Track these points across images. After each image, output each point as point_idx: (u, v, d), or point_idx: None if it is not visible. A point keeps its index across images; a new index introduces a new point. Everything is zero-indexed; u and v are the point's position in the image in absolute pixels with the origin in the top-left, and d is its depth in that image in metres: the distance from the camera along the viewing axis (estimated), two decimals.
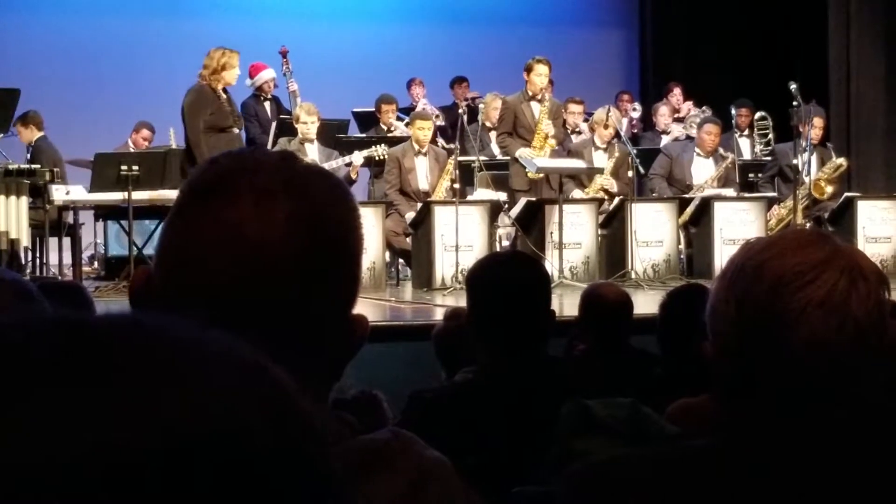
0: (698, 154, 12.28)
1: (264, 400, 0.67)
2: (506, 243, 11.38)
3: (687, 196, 11.91)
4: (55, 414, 0.62)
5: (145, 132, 13.21)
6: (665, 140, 13.66)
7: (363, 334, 1.34)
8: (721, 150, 12.32)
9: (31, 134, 11.70)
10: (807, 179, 11.85)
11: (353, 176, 11.17)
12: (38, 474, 0.60)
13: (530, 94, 11.43)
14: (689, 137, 13.32)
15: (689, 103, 14.41)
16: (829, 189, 12.15)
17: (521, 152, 11.25)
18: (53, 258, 10.91)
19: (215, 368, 0.66)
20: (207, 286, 1.23)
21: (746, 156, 13.51)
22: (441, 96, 14.63)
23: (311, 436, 0.68)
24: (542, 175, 11.30)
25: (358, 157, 11.11)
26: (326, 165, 10.76)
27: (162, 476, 0.61)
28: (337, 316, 1.30)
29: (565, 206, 10.83)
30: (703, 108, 14.01)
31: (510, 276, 3.44)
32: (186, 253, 1.26)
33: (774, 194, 12.36)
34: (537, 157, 11.17)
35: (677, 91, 14.64)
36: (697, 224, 11.75)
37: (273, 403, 0.67)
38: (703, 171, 12.23)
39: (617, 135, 12.03)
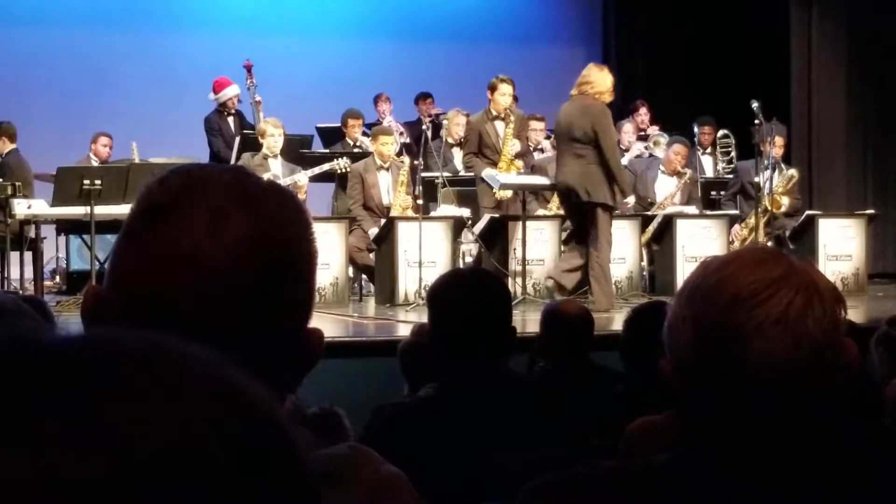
0: (663, 172, 12.33)
1: (245, 425, 0.66)
2: (469, 259, 11.39)
3: (649, 213, 11.95)
4: (7, 441, 0.61)
5: (104, 140, 13.11)
6: (627, 157, 13.70)
7: (319, 348, 1.34)
8: (679, 167, 12.37)
9: (3, 146, 11.61)
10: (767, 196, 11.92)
11: (302, 196, 11.08)
12: None
13: (494, 113, 11.42)
14: (651, 156, 13.36)
15: (656, 127, 14.39)
16: (786, 201, 12.21)
17: (487, 172, 11.24)
18: (15, 272, 10.84)
19: (187, 392, 0.65)
20: (161, 305, 1.22)
21: (709, 173, 13.57)
22: (406, 112, 14.65)
23: (294, 461, 0.68)
24: (508, 195, 11.30)
25: (303, 177, 11.05)
26: (282, 183, 10.67)
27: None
28: (293, 331, 1.30)
29: (529, 223, 10.85)
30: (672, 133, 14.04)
31: (471, 293, 3.44)
32: (139, 272, 1.25)
33: (737, 212, 12.42)
34: (501, 175, 11.17)
35: (643, 110, 14.66)
36: (660, 241, 11.79)
37: (255, 428, 0.66)
38: (666, 190, 12.29)
39: None
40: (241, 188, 1.27)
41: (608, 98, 9.90)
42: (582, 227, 10.00)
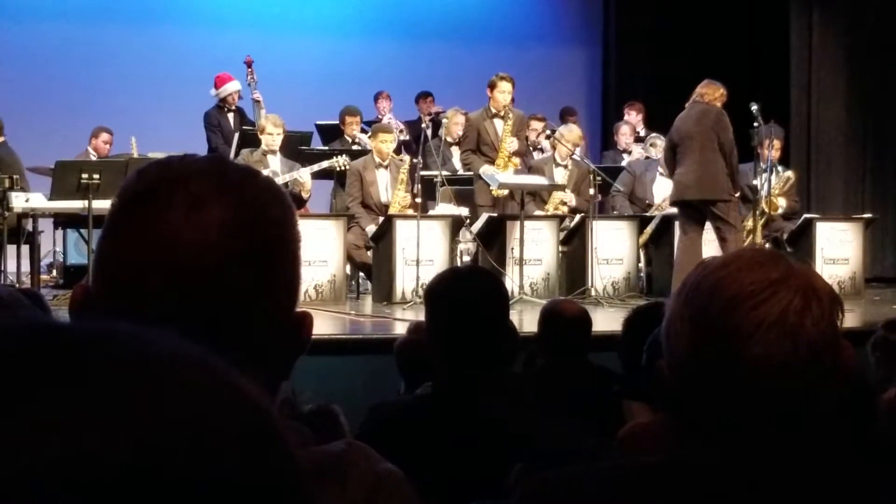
0: (661, 174, 12.33)
1: (238, 416, 0.67)
2: (466, 258, 11.39)
3: (647, 215, 11.96)
4: (23, 423, 0.61)
5: (105, 136, 13.14)
6: (626, 159, 13.72)
7: (308, 331, 1.34)
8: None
9: None
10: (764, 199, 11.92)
11: (305, 195, 11.11)
12: (3, 484, 0.60)
13: (493, 110, 11.48)
14: (647, 158, 13.37)
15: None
16: (782, 202, 12.22)
17: (485, 169, 11.29)
18: (11, 266, 10.84)
19: (191, 382, 0.66)
20: (147, 297, 1.22)
21: None
22: (406, 110, 14.65)
23: (283, 454, 0.68)
24: (505, 192, 11.33)
25: (304, 174, 11.06)
26: (281, 179, 10.76)
27: (131, 489, 0.61)
28: (281, 315, 1.30)
29: (526, 223, 10.86)
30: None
31: (469, 291, 3.44)
32: (123, 265, 1.25)
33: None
34: (499, 174, 11.21)
35: (633, 112, 14.63)
36: (658, 242, 11.80)
37: (247, 421, 0.67)
38: (665, 191, 12.29)
39: (573, 153, 12.11)
40: (219, 174, 1.28)
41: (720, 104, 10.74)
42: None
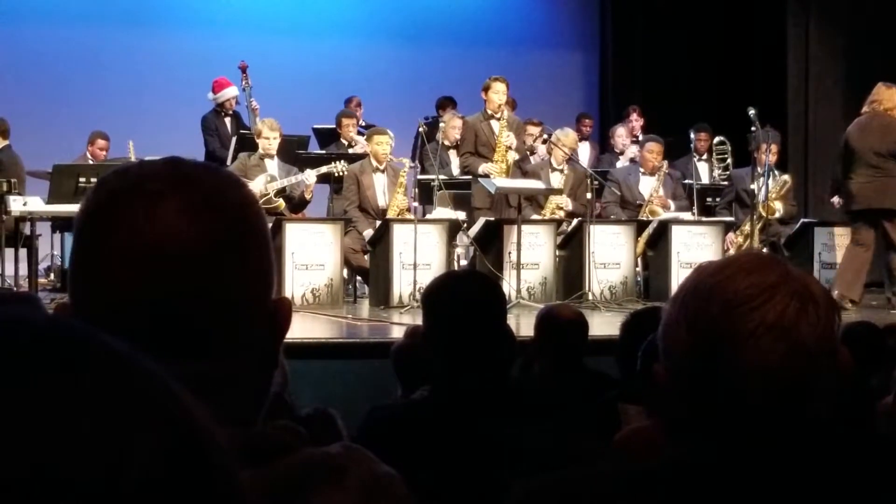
0: (642, 173, 12.35)
1: (164, 430, 0.66)
2: (464, 262, 11.39)
3: (644, 219, 11.96)
4: None
5: (101, 142, 13.11)
6: (621, 161, 13.74)
7: (287, 317, 1.33)
8: (655, 163, 12.37)
9: None
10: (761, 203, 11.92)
11: (308, 196, 11.15)
12: None
13: (489, 112, 11.52)
14: (632, 161, 13.42)
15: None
16: (779, 206, 12.22)
17: (483, 168, 11.31)
18: (9, 269, 10.84)
19: (113, 388, 0.65)
20: (122, 302, 1.21)
21: (705, 180, 13.57)
22: (399, 113, 14.60)
23: (217, 474, 0.67)
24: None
25: (311, 176, 11.09)
26: (280, 183, 10.78)
27: (38, 494, 0.60)
28: (257, 303, 1.29)
29: (524, 227, 10.85)
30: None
31: (466, 295, 3.44)
32: (94, 274, 1.24)
33: (732, 219, 12.42)
34: (497, 179, 11.21)
35: (635, 116, 14.64)
36: (655, 247, 11.80)
37: (175, 436, 0.66)
38: (649, 188, 12.31)
39: (569, 158, 12.11)
40: (173, 170, 1.28)
41: None
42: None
